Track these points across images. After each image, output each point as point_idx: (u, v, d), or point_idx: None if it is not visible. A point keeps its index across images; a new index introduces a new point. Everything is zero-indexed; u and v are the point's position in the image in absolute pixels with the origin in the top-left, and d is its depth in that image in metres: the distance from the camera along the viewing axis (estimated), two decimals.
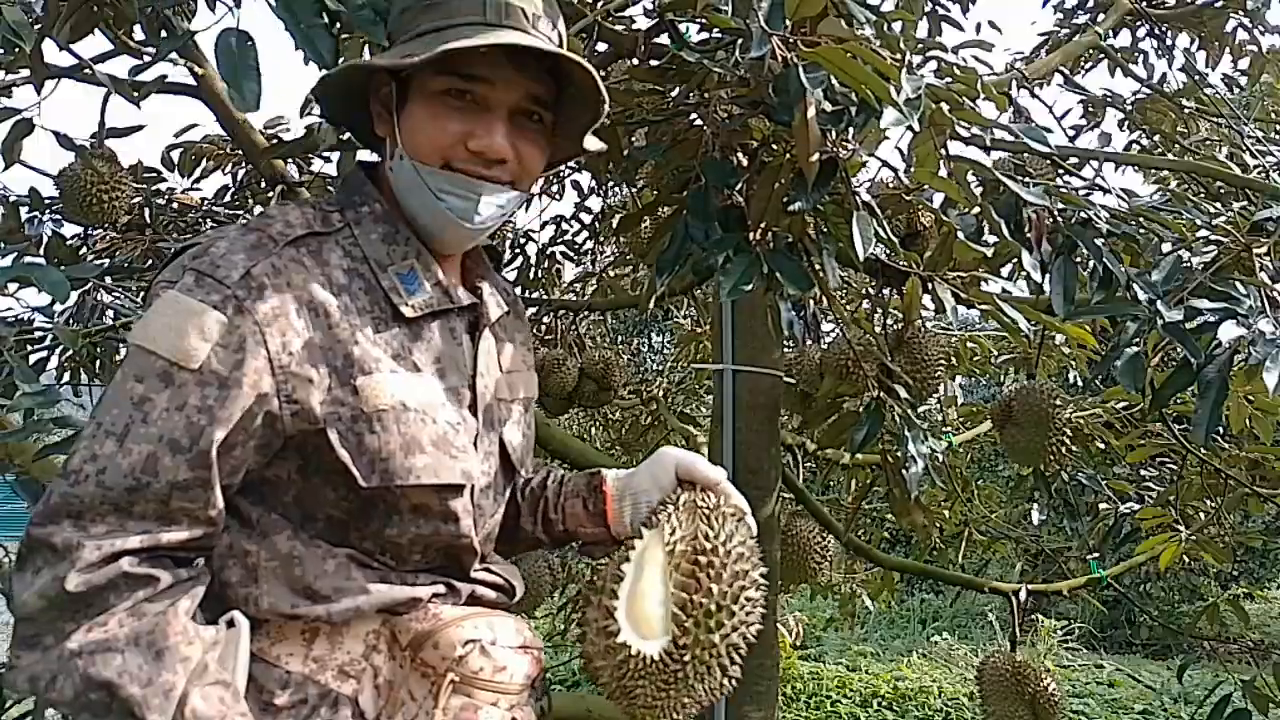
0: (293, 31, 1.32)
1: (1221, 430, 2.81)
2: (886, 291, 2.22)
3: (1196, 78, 3.84)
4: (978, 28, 5.01)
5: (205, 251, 1.08)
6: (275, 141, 2.92)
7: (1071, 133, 4.14)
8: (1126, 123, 4.09)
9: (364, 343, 1.10)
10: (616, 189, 4.14)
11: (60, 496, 0.99)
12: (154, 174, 3.35)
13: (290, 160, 3.10)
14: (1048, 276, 1.86)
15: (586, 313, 4.11)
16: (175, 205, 3.45)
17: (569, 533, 1.35)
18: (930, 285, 1.96)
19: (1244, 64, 4.17)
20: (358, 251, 1.15)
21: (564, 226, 4.27)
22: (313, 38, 1.32)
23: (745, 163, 1.84)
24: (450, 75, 1.13)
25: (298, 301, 1.07)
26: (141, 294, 3.15)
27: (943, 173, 1.81)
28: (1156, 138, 4.01)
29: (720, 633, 1.11)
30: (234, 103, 1.28)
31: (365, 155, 1.38)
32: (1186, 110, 3.88)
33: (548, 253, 4.25)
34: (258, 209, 3.52)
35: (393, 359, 1.12)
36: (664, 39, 1.88)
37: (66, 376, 3.50)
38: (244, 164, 3.42)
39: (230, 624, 1.07)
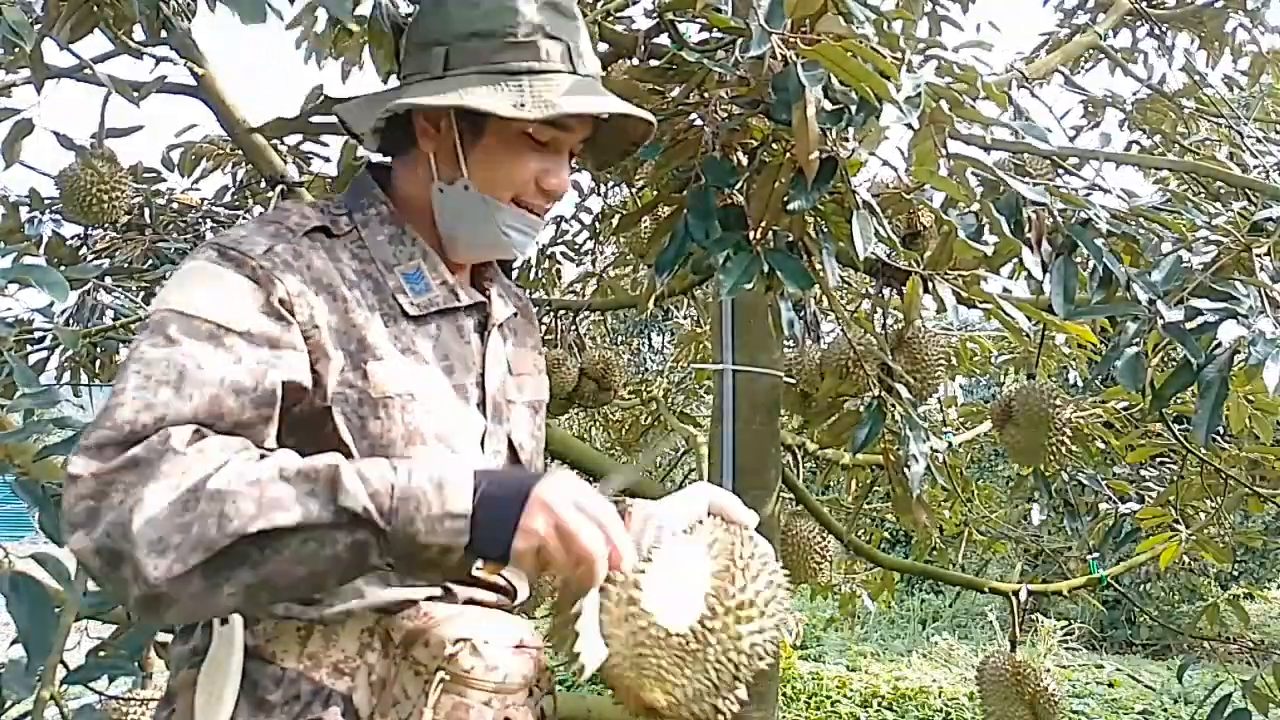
0: None
1: (1221, 430, 2.81)
2: (887, 291, 2.22)
3: (1196, 78, 3.84)
4: (978, 28, 5.00)
5: (223, 235, 1.10)
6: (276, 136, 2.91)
7: (1071, 133, 4.15)
8: (1126, 123, 4.09)
9: (375, 332, 1.12)
10: (616, 189, 4.15)
11: (114, 445, 0.92)
12: (154, 174, 3.35)
13: (290, 160, 3.10)
14: (1048, 276, 1.86)
15: (586, 313, 4.12)
16: (175, 205, 3.45)
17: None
18: (930, 285, 1.96)
19: (1244, 64, 4.17)
20: (365, 254, 1.17)
21: (564, 226, 4.27)
22: None
23: (745, 162, 1.84)
24: (539, 121, 1.16)
25: (316, 285, 1.09)
26: (142, 294, 3.15)
27: (943, 171, 1.81)
28: (1156, 138, 4.01)
29: (749, 627, 1.08)
30: (242, 16, 1.25)
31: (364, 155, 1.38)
32: (1186, 110, 3.88)
33: (548, 253, 4.26)
34: (258, 209, 3.52)
35: (400, 353, 1.13)
36: (664, 39, 1.88)
37: (66, 376, 3.50)
38: (244, 164, 3.42)
39: (224, 622, 1.07)
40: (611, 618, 1.07)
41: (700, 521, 1.20)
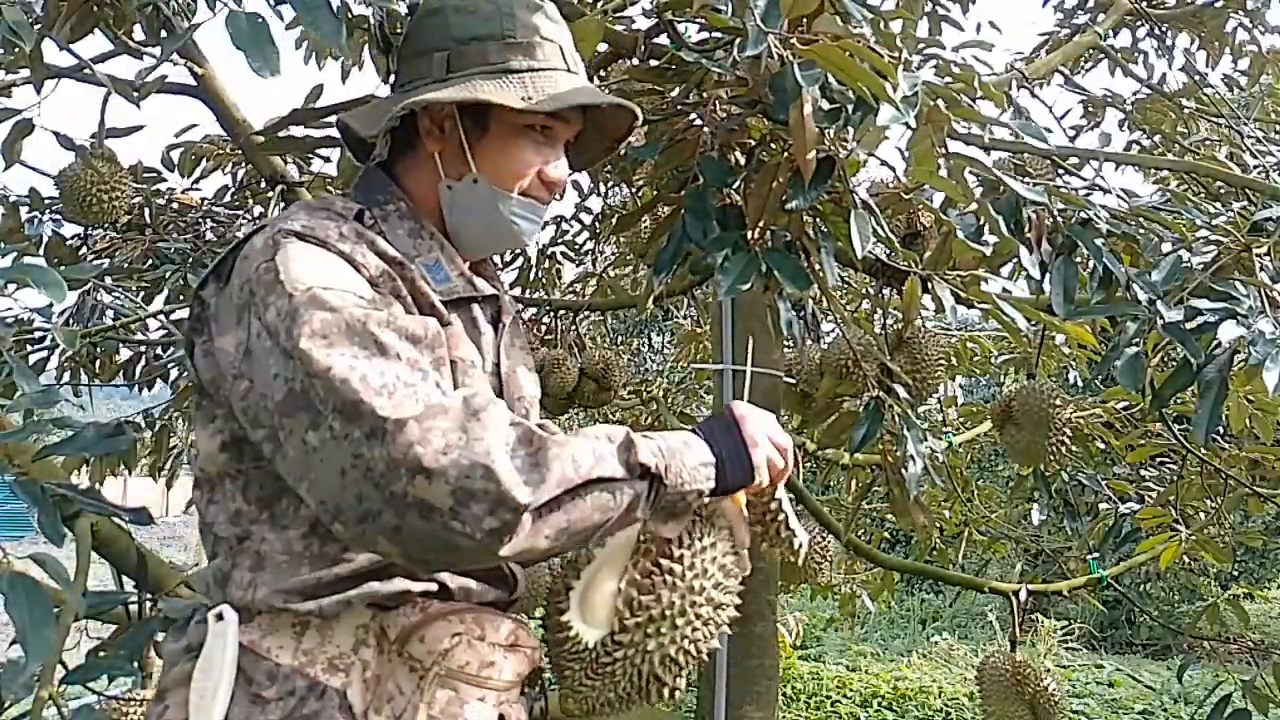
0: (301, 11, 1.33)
1: (1221, 430, 2.80)
2: (886, 291, 2.22)
3: (1196, 78, 3.84)
4: (978, 28, 5.01)
5: (285, 221, 1.12)
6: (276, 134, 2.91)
7: (1071, 133, 4.14)
8: (1126, 123, 4.09)
9: (436, 300, 1.17)
10: (616, 189, 4.14)
11: (410, 435, 0.96)
12: (154, 174, 3.35)
13: (290, 160, 3.09)
14: (1047, 276, 1.86)
15: (586, 313, 4.11)
16: (175, 205, 3.45)
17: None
18: (930, 285, 1.96)
19: (1244, 64, 4.17)
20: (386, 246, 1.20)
21: (564, 226, 4.27)
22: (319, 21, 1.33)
23: (743, 161, 1.84)
24: (539, 114, 1.22)
25: (382, 257, 1.13)
26: (141, 294, 3.15)
27: (942, 171, 1.81)
28: (1156, 138, 4.01)
29: (657, 640, 1.11)
30: (257, 71, 1.29)
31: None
32: (1186, 110, 3.88)
33: (548, 253, 4.25)
34: (258, 209, 3.52)
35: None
36: (663, 39, 1.88)
37: (66, 376, 3.50)
38: (244, 164, 3.42)
39: (219, 617, 1.08)
40: (550, 621, 1.16)
41: None
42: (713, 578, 1.15)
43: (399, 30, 1.34)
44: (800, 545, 1.22)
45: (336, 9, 1.37)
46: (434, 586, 1.14)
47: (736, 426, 1.16)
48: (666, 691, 1.13)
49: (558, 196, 1.32)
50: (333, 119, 1.48)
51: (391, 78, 1.33)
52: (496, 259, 1.45)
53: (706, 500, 1.16)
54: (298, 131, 1.83)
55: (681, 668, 1.14)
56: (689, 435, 1.14)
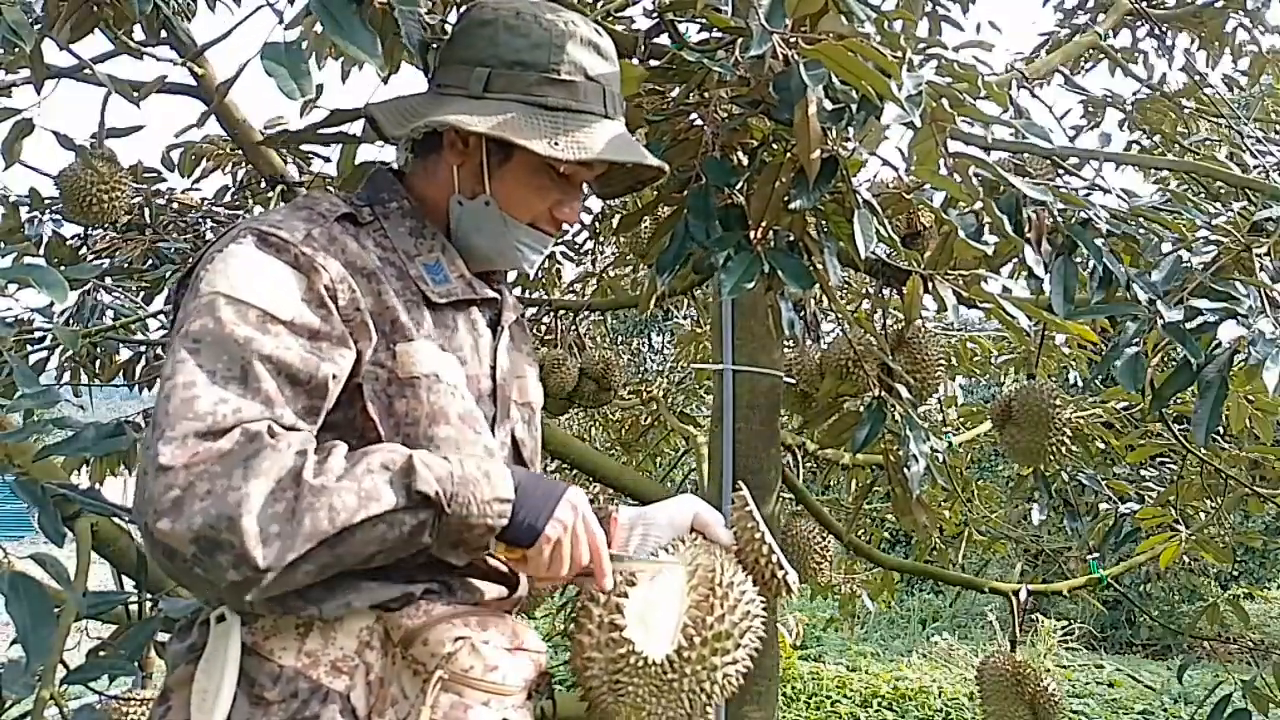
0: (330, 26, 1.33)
1: (1221, 430, 2.80)
2: (887, 291, 2.22)
3: (1196, 78, 3.84)
4: (978, 28, 5.00)
5: (259, 220, 1.12)
6: (281, 130, 2.91)
7: (1071, 133, 4.14)
8: (1126, 123, 4.09)
9: (403, 315, 1.15)
10: None
11: (197, 437, 0.97)
12: (154, 174, 3.35)
13: (290, 160, 3.09)
14: (1048, 276, 1.86)
15: (586, 313, 4.11)
16: (175, 205, 3.45)
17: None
18: (931, 284, 1.96)
19: (1244, 64, 4.17)
20: (387, 243, 1.21)
21: (563, 226, 4.25)
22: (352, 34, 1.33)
23: (745, 162, 1.84)
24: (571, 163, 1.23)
25: (351, 268, 1.13)
26: (141, 294, 3.15)
27: (943, 171, 1.81)
28: (1156, 138, 4.01)
29: (723, 658, 1.13)
30: (289, 95, 1.31)
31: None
32: (1186, 110, 3.88)
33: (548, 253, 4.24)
34: (258, 209, 3.52)
35: (424, 337, 1.17)
36: (664, 39, 1.88)
37: (66, 376, 3.49)
38: (244, 164, 3.42)
39: (221, 618, 1.07)
40: (593, 640, 1.13)
41: (683, 540, 1.24)
42: (753, 601, 1.19)
43: (441, 39, 1.34)
44: (791, 580, 1.23)
45: (368, 21, 1.36)
46: (436, 587, 1.14)
47: (557, 500, 1.10)
48: (711, 711, 1.16)
49: (566, 231, 1.34)
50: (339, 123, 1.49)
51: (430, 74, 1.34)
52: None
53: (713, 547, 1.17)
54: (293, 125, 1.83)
55: (734, 685, 1.17)
56: (496, 468, 1.08)
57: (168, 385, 1.00)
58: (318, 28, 2.97)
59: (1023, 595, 2.91)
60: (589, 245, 4.31)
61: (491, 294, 1.28)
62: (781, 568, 1.23)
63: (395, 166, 1.32)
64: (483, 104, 1.20)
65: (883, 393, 2.07)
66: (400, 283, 1.18)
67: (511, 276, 1.74)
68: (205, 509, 0.93)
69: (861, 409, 2.18)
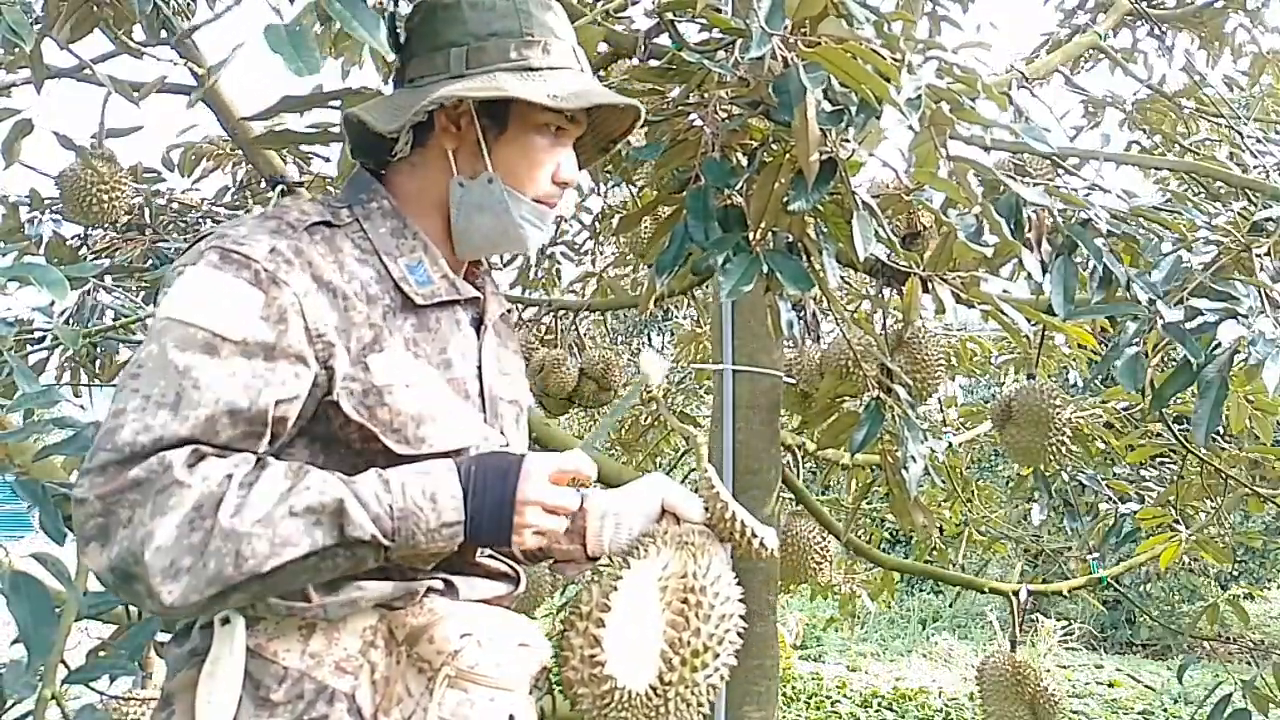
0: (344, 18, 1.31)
1: (1221, 430, 2.81)
2: (886, 292, 2.22)
3: (1196, 78, 3.84)
4: (978, 28, 5.00)
5: (225, 233, 1.11)
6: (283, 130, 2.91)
7: (1071, 133, 4.14)
8: (1126, 123, 4.09)
9: (377, 325, 1.14)
10: (616, 189, 4.14)
11: (115, 465, 0.98)
12: (154, 174, 3.35)
13: (290, 160, 3.09)
14: (1048, 277, 1.86)
15: (586, 313, 4.11)
16: (175, 205, 3.45)
17: (543, 549, 1.33)
18: (930, 285, 1.96)
19: (1244, 64, 4.17)
20: (367, 244, 1.19)
21: (564, 226, 4.26)
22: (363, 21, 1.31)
23: (745, 163, 1.84)
24: (555, 113, 1.22)
25: (317, 282, 1.10)
26: (141, 294, 3.15)
27: (943, 173, 1.81)
28: (1156, 138, 4.01)
29: (704, 672, 1.14)
30: (296, 72, 1.28)
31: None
32: (1186, 110, 3.88)
33: (548, 253, 4.25)
34: (257, 209, 3.52)
35: (402, 343, 1.15)
36: (664, 39, 1.88)
37: (66, 376, 3.49)
38: (244, 164, 3.42)
39: (225, 620, 1.07)
40: (578, 676, 1.13)
41: (658, 523, 1.23)
42: (728, 599, 1.18)
43: (397, 30, 1.33)
44: (769, 543, 1.23)
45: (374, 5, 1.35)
46: (439, 584, 1.14)
47: (515, 480, 1.09)
48: (700, 716, 1.17)
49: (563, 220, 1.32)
50: (327, 107, 1.47)
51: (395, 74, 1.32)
52: (496, 259, 1.44)
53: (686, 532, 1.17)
54: (293, 123, 1.82)
55: (717, 690, 1.17)
56: (444, 486, 1.06)
57: (107, 414, 1.01)
58: (317, 28, 2.97)
59: (1023, 595, 2.92)
60: (589, 245, 4.31)
61: (474, 293, 1.26)
62: (756, 535, 1.23)
63: (366, 165, 1.30)
64: (469, 79, 1.20)
65: (881, 393, 2.07)
66: (379, 285, 1.16)
67: (511, 278, 1.73)
68: (121, 539, 0.95)
69: (861, 409, 2.18)
